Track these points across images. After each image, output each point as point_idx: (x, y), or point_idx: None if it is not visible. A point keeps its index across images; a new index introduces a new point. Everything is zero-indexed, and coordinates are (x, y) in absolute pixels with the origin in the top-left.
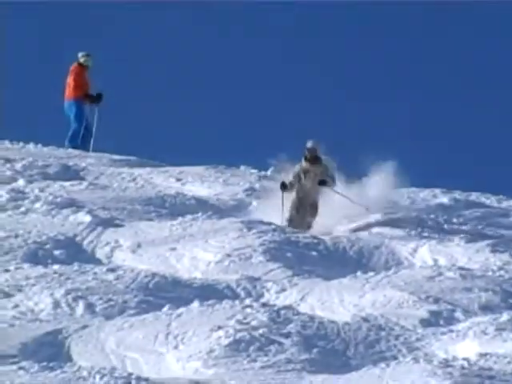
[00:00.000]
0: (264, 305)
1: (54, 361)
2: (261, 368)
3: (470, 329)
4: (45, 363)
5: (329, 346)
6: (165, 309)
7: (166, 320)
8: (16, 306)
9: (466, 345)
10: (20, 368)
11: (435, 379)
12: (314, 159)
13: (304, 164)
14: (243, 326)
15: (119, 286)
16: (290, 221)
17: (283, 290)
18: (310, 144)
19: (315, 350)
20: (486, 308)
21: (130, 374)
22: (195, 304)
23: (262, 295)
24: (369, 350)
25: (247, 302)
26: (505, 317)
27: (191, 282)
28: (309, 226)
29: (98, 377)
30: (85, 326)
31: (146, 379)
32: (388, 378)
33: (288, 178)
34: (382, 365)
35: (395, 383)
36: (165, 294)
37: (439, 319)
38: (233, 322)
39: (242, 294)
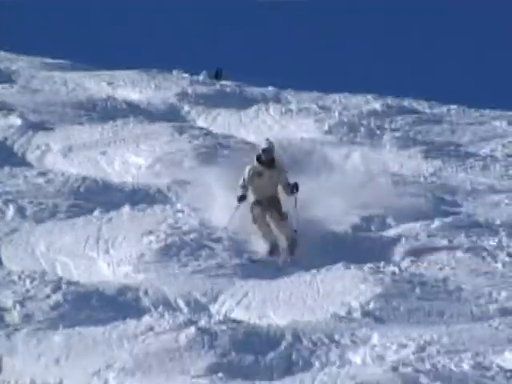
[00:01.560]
0: (195, 209)
1: None
2: (192, 273)
3: (401, 235)
4: None
5: None
6: (95, 213)
7: (96, 224)
8: None
9: (397, 251)
10: None
11: (366, 285)
12: (270, 162)
13: (257, 166)
14: (174, 231)
15: (50, 190)
16: (268, 241)
17: None
18: (264, 145)
19: (246, 256)
20: (418, 214)
21: (61, 278)
22: (126, 208)
23: (193, 199)
24: (300, 256)
25: (178, 206)
26: (436, 223)
27: (122, 187)
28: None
29: (28, 281)
30: (15, 230)
31: (77, 283)
32: (319, 283)
33: (239, 183)
34: (313, 271)
35: (326, 288)
36: (95, 197)
37: (371, 225)
38: (164, 226)
39: (173, 198)
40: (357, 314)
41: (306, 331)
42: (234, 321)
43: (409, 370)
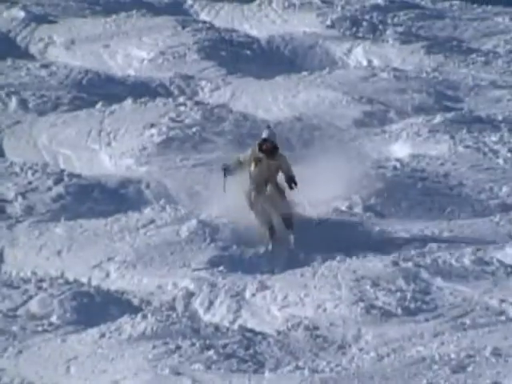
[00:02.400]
0: (198, 103)
1: None
2: (193, 166)
3: (403, 130)
4: None
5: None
6: (98, 106)
7: (98, 117)
8: None
9: (398, 146)
10: None
11: (368, 179)
12: (271, 151)
13: (258, 153)
14: (176, 124)
15: (52, 83)
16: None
17: (217, 88)
18: (265, 134)
19: (248, 149)
20: (420, 109)
21: (63, 171)
22: (128, 101)
23: (195, 93)
24: (303, 150)
25: (181, 99)
26: (438, 118)
27: (124, 80)
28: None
29: (30, 173)
30: (17, 122)
31: (79, 176)
32: (321, 178)
33: (238, 156)
34: (317, 163)
35: (327, 182)
36: (98, 90)
37: (373, 120)
38: (166, 119)
39: (176, 91)
40: (358, 209)
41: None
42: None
43: (409, 264)
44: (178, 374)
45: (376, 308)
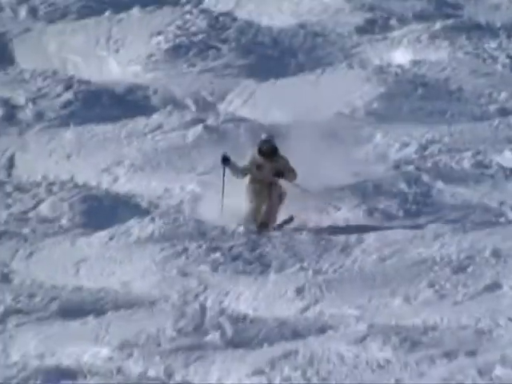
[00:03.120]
0: (203, 11)
1: None
2: (199, 72)
3: (404, 36)
4: None
5: (266, 52)
6: (106, 14)
7: (107, 25)
8: None
9: (400, 52)
10: None
11: (369, 85)
12: (270, 153)
13: (258, 158)
14: (183, 32)
15: None
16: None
17: None
18: (264, 136)
19: (252, 56)
20: (420, 16)
21: (72, 77)
22: (136, 9)
23: (201, 1)
24: (305, 57)
25: (187, 8)
26: (438, 25)
27: None
28: (263, 221)
29: (39, 79)
30: (27, 30)
31: (87, 82)
32: (323, 83)
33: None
34: (318, 70)
35: (330, 88)
36: None
37: (374, 27)
38: (172, 27)
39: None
40: (360, 113)
41: (311, 129)
42: (240, 119)
43: (411, 168)
44: (185, 275)
45: (378, 211)
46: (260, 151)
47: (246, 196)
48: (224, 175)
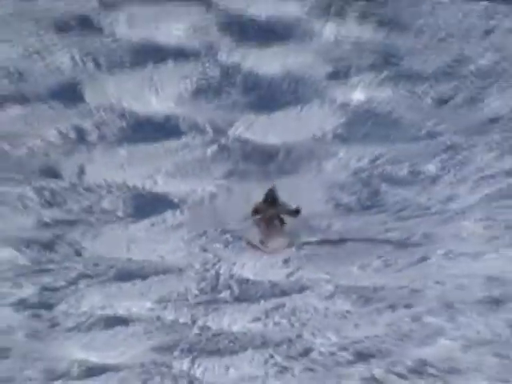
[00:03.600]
0: (217, 63)
1: (72, 100)
2: (215, 107)
3: (360, 81)
4: (66, 102)
5: (262, 93)
6: (149, 65)
7: (149, 73)
8: (44, 62)
9: (357, 92)
10: (49, 106)
11: (335, 116)
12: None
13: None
14: (203, 77)
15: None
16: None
17: (231, 52)
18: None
19: (252, 96)
20: (372, 66)
21: (124, 110)
22: (170, 62)
23: (215, 55)
24: (290, 96)
25: (205, 60)
26: (385, 73)
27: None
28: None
29: (101, 112)
30: (93, 77)
31: (136, 113)
32: (303, 115)
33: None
34: (299, 106)
35: (307, 118)
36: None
37: (339, 74)
38: (195, 74)
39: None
40: (329, 137)
41: (294, 148)
42: (244, 140)
43: (365, 174)
44: (205, 251)
45: (341, 205)
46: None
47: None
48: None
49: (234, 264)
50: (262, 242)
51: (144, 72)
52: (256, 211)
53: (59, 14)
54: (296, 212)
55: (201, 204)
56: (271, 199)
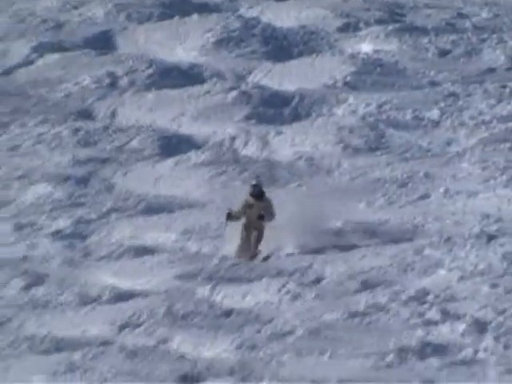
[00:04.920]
0: (238, 16)
1: (105, 49)
2: (235, 56)
3: (368, 34)
4: (100, 50)
5: (279, 44)
6: (175, 18)
7: (175, 25)
8: (80, 14)
9: (365, 44)
10: (84, 54)
11: (345, 66)
12: (258, 196)
13: (249, 199)
14: (224, 30)
15: (147, 2)
16: (239, 250)
17: (251, 7)
18: (254, 182)
19: (270, 46)
20: (379, 21)
21: (153, 59)
22: (194, 15)
23: (237, 10)
24: (304, 47)
25: (227, 14)
26: (390, 27)
27: (192, 3)
28: (252, 254)
29: (132, 60)
30: (125, 28)
31: (163, 61)
32: (316, 64)
33: (236, 207)
34: (313, 56)
35: (320, 67)
36: (175, 8)
37: (349, 28)
38: (218, 27)
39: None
40: (339, 84)
41: (308, 94)
42: (262, 87)
43: (372, 119)
44: (225, 187)
45: (350, 147)
46: (251, 194)
47: (240, 231)
48: (226, 224)
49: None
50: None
51: (171, 24)
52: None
53: None
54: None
55: (221, 145)
56: (258, 193)
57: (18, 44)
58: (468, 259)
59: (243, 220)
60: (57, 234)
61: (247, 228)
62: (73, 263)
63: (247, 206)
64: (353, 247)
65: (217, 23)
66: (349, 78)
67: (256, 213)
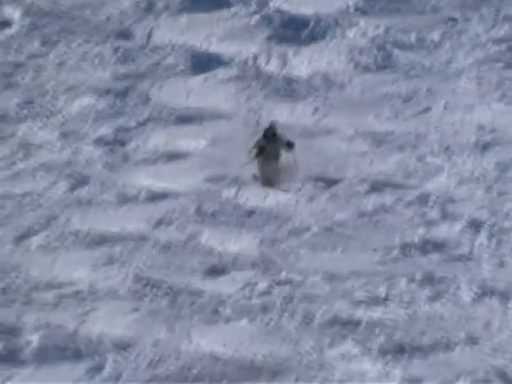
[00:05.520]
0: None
1: None
2: None
3: None
4: None
5: None
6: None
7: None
8: None
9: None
10: None
11: None
12: (271, 136)
13: (263, 141)
14: None
15: None
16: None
17: None
18: (269, 124)
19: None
20: None
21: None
22: None
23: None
24: None
25: None
26: None
27: None
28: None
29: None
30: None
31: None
32: None
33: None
34: None
35: None
36: None
37: None
38: None
39: None
40: (351, 9)
41: (323, 18)
42: (283, 11)
43: (380, 40)
44: (249, 99)
45: (360, 64)
46: (264, 135)
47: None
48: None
49: (273, 111)
50: (259, 177)
51: None
52: (259, 147)
53: None
54: (290, 145)
55: (246, 62)
56: (272, 134)
57: None
58: (465, 166)
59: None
60: (99, 141)
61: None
62: (113, 167)
63: (261, 148)
64: (362, 154)
65: None
66: (360, 4)
67: (271, 152)
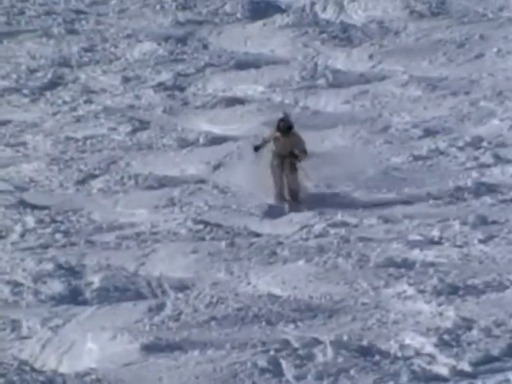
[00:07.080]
0: None
1: None
2: None
3: None
4: None
5: None
6: None
7: None
8: None
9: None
10: None
11: None
12: (287, 129)
13: (276, 133)
14: None
15: None
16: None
17: None
18: (282, 115)
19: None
20: None
21: None
22: None
23: None
24: None
25: None
26: None
27: None
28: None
29: None
30: None
31: None
32: None
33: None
34: None
35: None
36: None
37: None
38: None
39: None
40: None
41: None
42: None
43: None
44: (306, 46)
45: (416, 12)
46: (278, 127)
47: (270, 173)
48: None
49: (329, 57)
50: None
51: None
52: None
53: None
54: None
55: (303, 9)
56: (287, 127)
57: None
58: None
59: (273, 160)
60: (159, 86)
61: (279, 166)
62: (172, 111)
63: (273, 139)
64: (416, 99)
65: None
66: None
67: (285, 149)
